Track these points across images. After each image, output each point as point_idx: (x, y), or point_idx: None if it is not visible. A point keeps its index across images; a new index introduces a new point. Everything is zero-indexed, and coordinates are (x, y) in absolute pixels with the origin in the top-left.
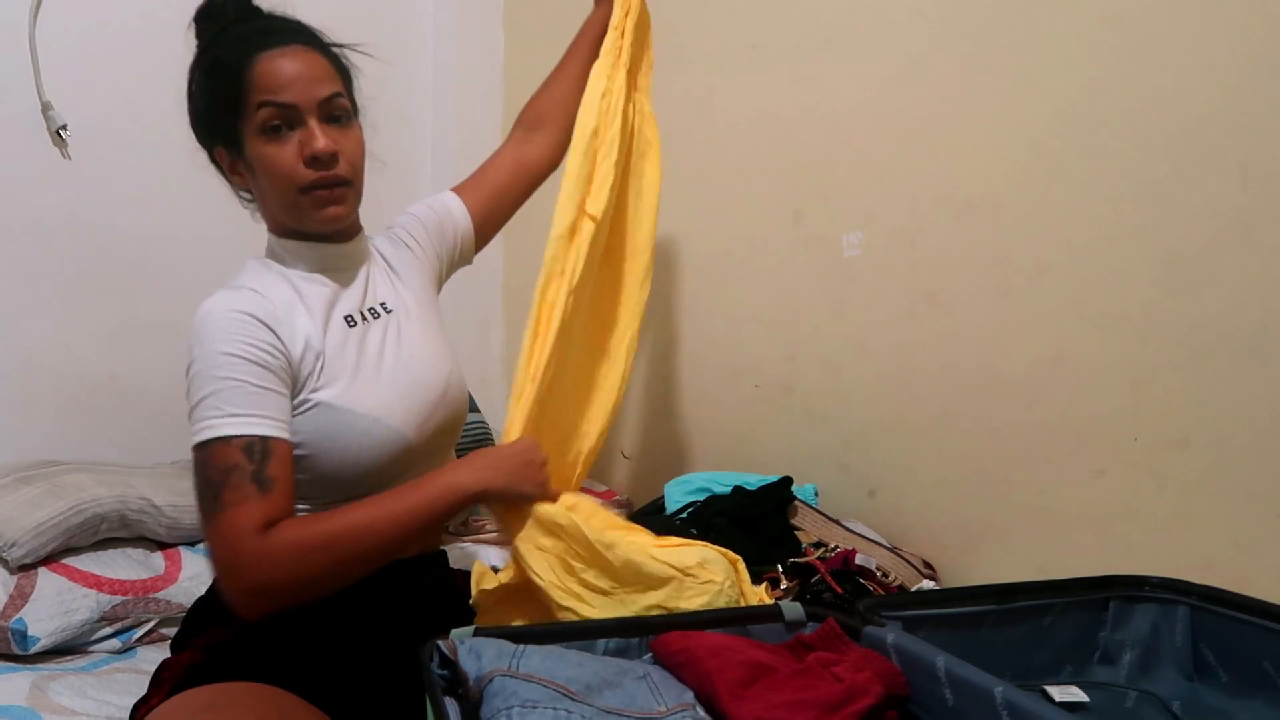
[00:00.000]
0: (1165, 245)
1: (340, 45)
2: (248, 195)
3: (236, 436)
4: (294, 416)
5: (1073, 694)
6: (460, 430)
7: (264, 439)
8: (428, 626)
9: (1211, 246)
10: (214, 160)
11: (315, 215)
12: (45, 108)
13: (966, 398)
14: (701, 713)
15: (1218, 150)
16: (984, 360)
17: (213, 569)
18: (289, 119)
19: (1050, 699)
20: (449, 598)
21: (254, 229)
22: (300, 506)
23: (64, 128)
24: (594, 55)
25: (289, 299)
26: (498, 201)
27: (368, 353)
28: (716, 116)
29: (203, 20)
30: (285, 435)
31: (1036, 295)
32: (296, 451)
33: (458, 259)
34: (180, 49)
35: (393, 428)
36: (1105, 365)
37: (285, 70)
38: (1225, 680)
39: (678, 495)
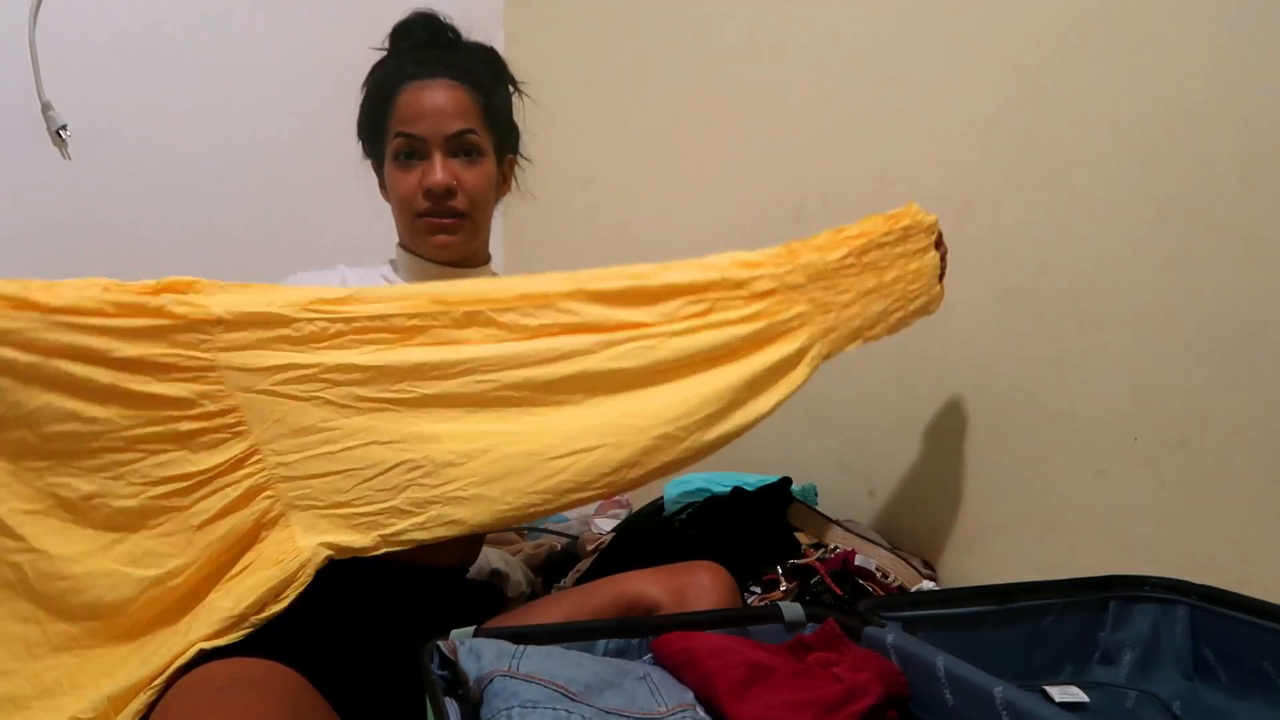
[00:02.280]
0: (1165, 245)
1: (514, 86)
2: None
3: None
4: None
5: (1073, 694)
6: None
7: None
8: (429, 627)
9: (1211, 246)
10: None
11: (427, 240)
12: (45, 108)
13: (966, 398)
14: (702, 713)
15: (1218, 150)
16: (984, 360)
17: None
18: (418, 150)
19: (1050, 699)
20: (450, 599)
21: (255, 228)
22: None
23: (64, 128)
24: None
25: (370, 278)
26: None
27: None
28: (717, 116)
29: (396, 37)
30: None
31: (1036, 295)
32: None
33: None
34: (180, 48)
35: None
36: (1105, 365)
37: (423, 103)
38: (1225, 680)
39: (677, 495)
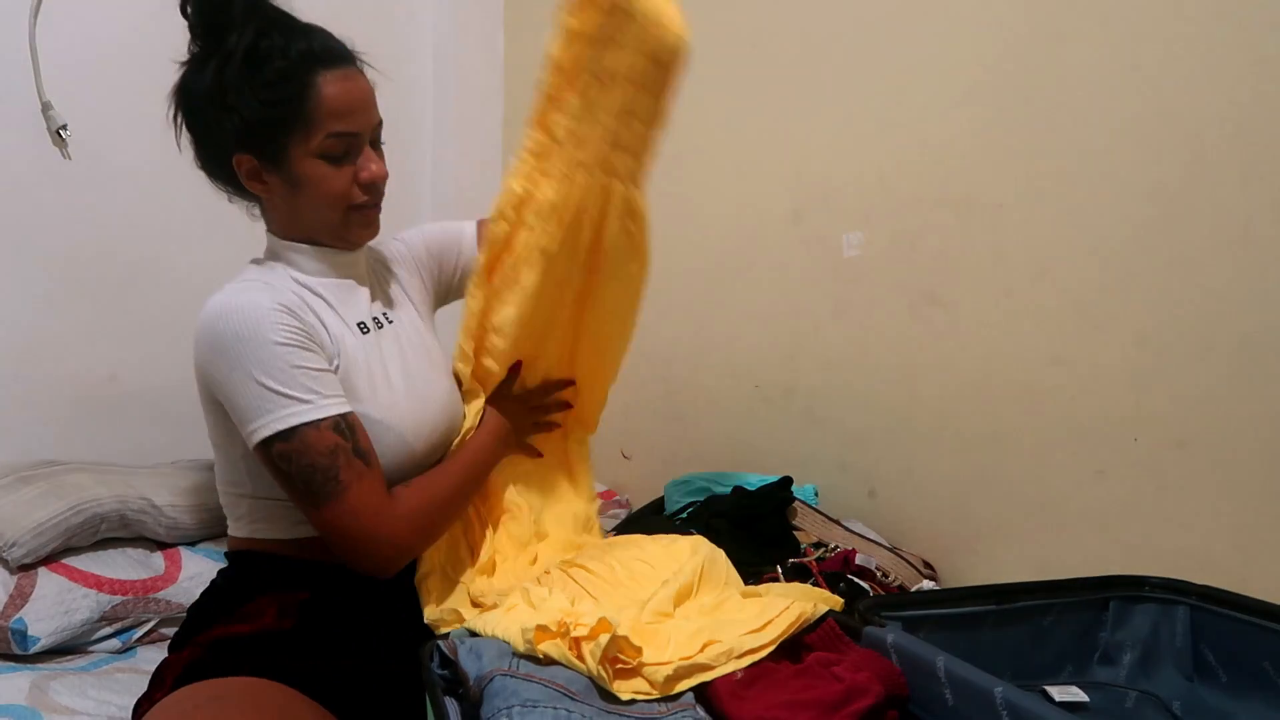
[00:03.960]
0: (1165, 245)
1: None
2: (249, 200)
3: (324, 418)
4: None
5: (1073, 694)
6: (453, 445)
7: (344, 415)
8: (409, 618)
9: (1211, 246)
10: (217, 163)
11: (359, 233)
12: (45, 108)
13: (966, 398)
14: (702, 713)
15: (1218, 151)
16: (984, 360)
17: (341, 545)
18: (350, 146)
19: (1050, 699)
20: None
21: (254, 228)
22: (261, 500)
23: (64, 128)
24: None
25: (300, 300)
26: None
27: (378, 360)
28: (717, 116)
29: (222, 13)
30: (350, 409)
31: (1036, 295)
32: None
33: (455, 284)
34: (180, 48)
35: (401, 436)
36: (1105, 365)
37: (351, 96)
38: (1225, 680)
39: (677, 495)
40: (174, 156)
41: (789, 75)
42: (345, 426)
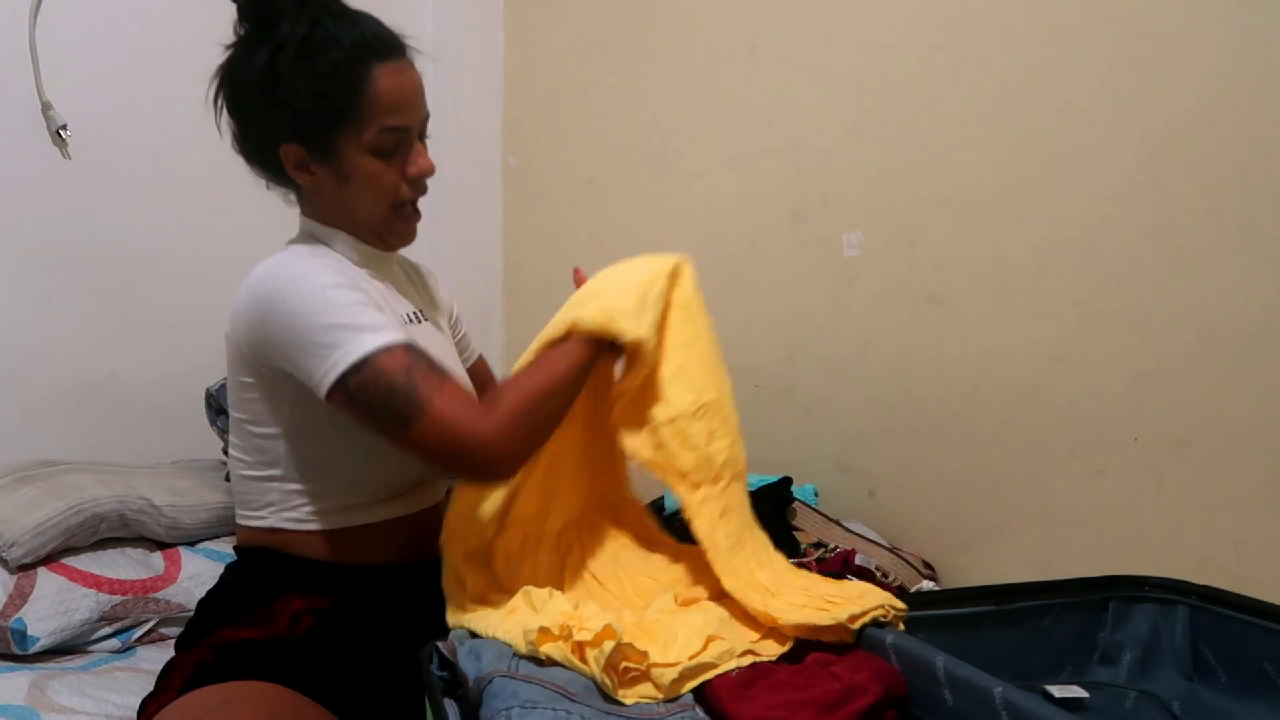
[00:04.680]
0: (1165, 245)
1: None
2: (288, 187)
3: (394, 343)
4: None
5: (1073, 690)
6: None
7: (410, 341)
8: (429, 628)
9: (1211, 246)
10: (261, 151)
11: (402, 230)
12: (45, 108)
13: (966, 398)
14: (701, 713)
15: (1218, 150)
16: (984, 360)
17: (443, 460)
18: (401, 141)
19: (1050, 696)
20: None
21: (257, 228)
22: (294, 486)
23: (64, 128)
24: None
25: (348, 274)
26: None
27: (428, 347)
28: (717, 116)
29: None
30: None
31: (1036, 295)
32: (337, 424)
33: None
34: (179, 48)
35: None
36: (1105, 365)
37: (404, 90)
38: (1225, 680)
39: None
40: (174, 156)
41: (789, 75)
42: (414, 348)
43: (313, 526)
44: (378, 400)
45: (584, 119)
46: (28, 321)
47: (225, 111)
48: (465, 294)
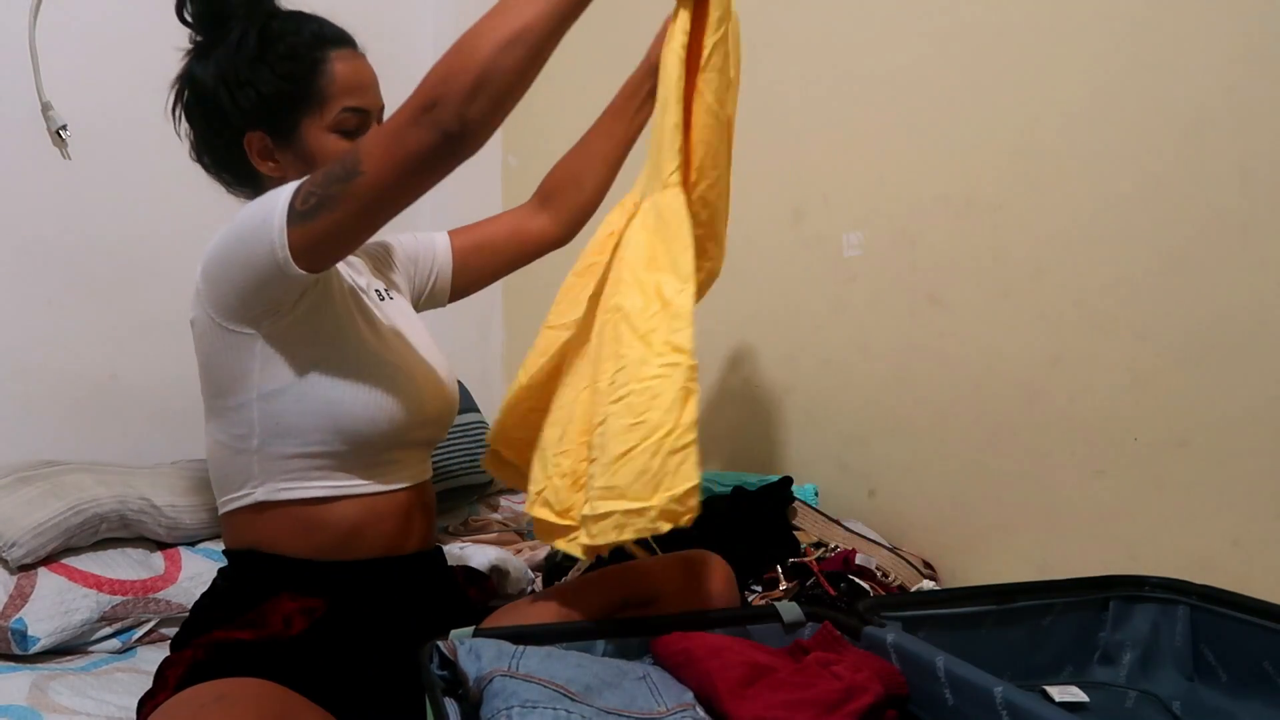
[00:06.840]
0: (1165, 245)
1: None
2: (250, 189)
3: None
4: (334, 338)
5: (1073, 694)
6: (448, 429)
7: None
8: (427, 626)
9: (1211, 246)
10: (222, 147)
11: None
12: (45, 108)
13: (966, 398)
14: (701, 713)
15: (1218, 150)
16: (984, 360)
17: (404, 156)
18: (362, 123)
19: (1050, 699)
20: (447, 596)
21: None
22: (272, 451)
23: (64, 128)
24: (624, 129)
25: None
26: (482, 254)
27: (396, 320)
28: None
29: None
30: None
31: (1036, 295)
32: (306, 383)
33: (429, 293)
34: (180, 49)
35: (417, 388)
36: (1105, 365)
37: (363, 75)
38: (1225, 680)
39: None
40: (174, 156)
41: (789, 75)
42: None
43: (295, 494)
44: (321, 188)
45: (584, 119)
46: (28, 321)
47: (184, 119)
48: None
